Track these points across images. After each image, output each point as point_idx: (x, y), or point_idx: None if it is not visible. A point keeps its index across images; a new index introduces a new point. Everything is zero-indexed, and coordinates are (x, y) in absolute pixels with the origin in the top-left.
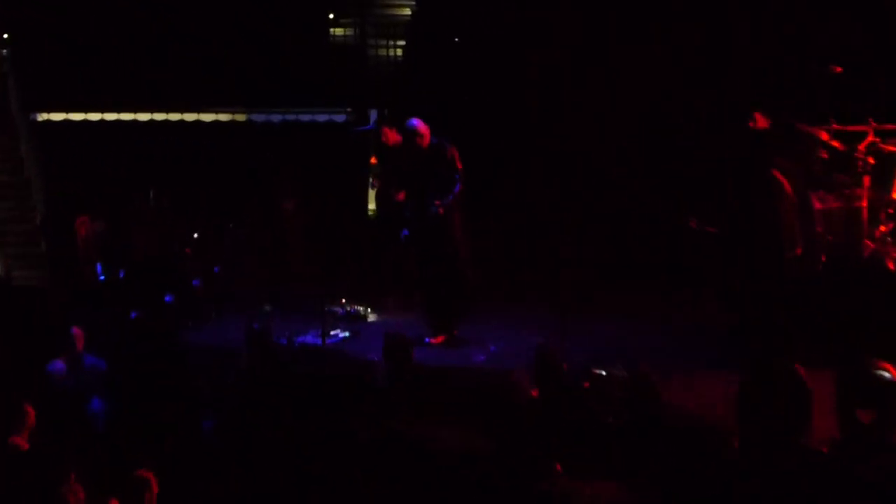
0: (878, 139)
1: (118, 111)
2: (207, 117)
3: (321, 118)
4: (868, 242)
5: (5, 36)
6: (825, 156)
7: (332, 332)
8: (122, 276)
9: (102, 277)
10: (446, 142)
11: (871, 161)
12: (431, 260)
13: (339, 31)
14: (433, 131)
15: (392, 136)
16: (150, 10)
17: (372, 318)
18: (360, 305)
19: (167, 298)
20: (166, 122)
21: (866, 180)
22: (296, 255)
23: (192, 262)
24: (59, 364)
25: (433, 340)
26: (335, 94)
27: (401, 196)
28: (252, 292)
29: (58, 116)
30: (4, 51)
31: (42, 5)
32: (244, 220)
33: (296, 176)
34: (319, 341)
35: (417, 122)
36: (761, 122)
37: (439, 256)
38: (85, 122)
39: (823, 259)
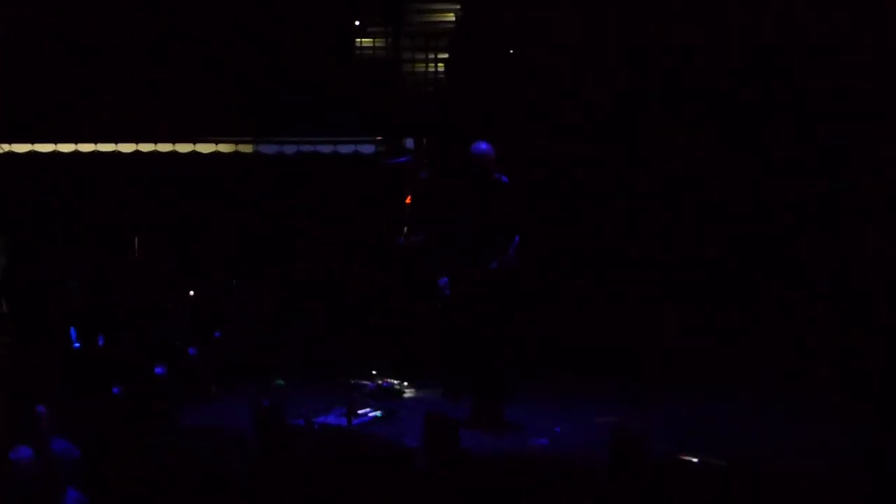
0: None
1: (95, 141)
2: (205, 148)
3: (345, 149)
4: None
5: None
6: None
7: (359, 412)
8: (101, 342)
9: (77, 345)
10: (506, 178)
11: None
12: (478, 321)
13: (367, 42)
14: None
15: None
16: (135, 19)
17: (409, 393)
18: (394, 378)
19: (158, 370)
20: (154, 153)
21: None
22: (315, 315)
23: (188, 325)
24: (24, 451)
25: (482, 421)
26: (362, 120)
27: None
28: (261, 361)
29: (21, 148)
30: None
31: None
32: (251, 275)
33: (315, 219)
34: (344, 422)
35: (487, 147)
36: None
37: (488, 318)
38: (55, 154)
39: None
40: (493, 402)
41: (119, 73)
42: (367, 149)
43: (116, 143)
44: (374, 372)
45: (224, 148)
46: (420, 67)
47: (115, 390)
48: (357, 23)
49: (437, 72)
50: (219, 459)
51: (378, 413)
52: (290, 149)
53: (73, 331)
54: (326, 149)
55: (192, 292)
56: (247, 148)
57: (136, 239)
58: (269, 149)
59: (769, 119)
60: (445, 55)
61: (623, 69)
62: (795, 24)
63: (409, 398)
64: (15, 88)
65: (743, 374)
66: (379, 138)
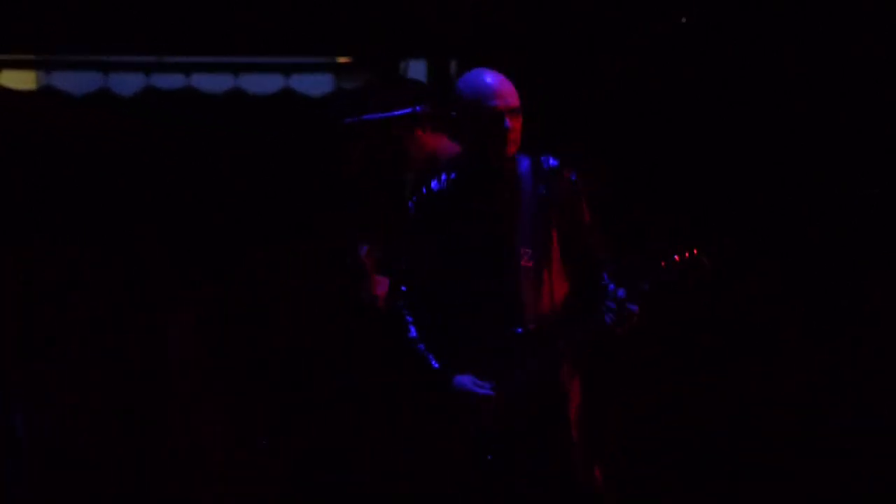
0: None
1: None
2: None
3: (257, 85)
4: None
5: None
6: None
7: None
8: None
9: None
10: (555, 161)
11: None
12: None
13: None
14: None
15: (431, 141)
16: None
17: None
18: None
19: None
20: None
21: None
22: None
23: None
24: None
25: None
26: (313, 21)
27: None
28: None
29: None
30: None
31: None
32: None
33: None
34: None
35: (497, 81)
36: None
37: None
38: None
39: None
40: None
41: None
42: (318, 84)
43: None
44: None
45: None
46: None
47: None
48: None
49: None
50: None
51: None
52: (129, 83)
53: None
54: (211, 82)
55: None
56: (25, 78)
57: None
58: (72, 83)
59: None
60: None
61: None
62: None
63: None
64: None
65: None
66: (343, 60)
